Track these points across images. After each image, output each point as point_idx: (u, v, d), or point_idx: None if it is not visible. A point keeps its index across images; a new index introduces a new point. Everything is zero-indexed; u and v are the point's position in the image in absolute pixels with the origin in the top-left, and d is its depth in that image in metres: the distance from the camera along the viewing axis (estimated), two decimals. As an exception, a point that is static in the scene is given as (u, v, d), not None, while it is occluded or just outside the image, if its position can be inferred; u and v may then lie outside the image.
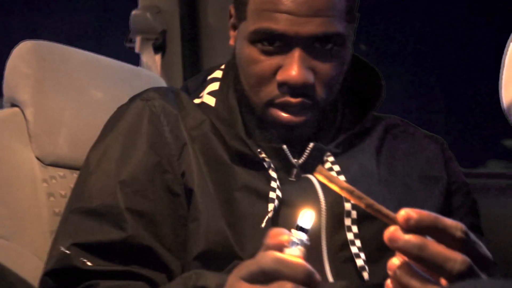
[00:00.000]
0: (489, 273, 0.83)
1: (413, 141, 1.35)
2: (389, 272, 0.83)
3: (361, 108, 1.31)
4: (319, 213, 1.15)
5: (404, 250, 0.79)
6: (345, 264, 1.13)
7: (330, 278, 1.12)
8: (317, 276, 0.77)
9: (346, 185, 0.85)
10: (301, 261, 0.77)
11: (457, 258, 0.78)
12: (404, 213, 0.79)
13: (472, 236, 0.82)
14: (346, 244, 1.14)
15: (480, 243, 0.83)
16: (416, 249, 0.78)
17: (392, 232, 0.79)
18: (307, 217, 0.81)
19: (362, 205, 0.84)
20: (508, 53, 0.59)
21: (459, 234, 0.80)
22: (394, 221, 0.81)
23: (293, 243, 0.78)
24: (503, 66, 0.60)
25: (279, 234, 0.79)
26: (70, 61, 1.47)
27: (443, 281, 0.81)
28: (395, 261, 0.83)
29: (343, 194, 0.86)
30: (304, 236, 0.79)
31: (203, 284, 0.92)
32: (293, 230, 0.79)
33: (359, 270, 1.12)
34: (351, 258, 1.13)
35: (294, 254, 0.77)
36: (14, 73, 1.40)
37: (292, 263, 0.76)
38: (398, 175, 1.28)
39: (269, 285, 0.76)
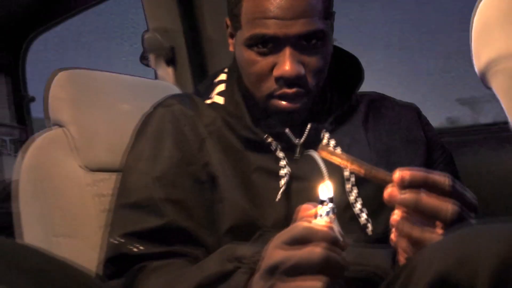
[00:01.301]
0: (476, 215, 0.82)
1: (392, 111, 1.33)
2: (392, 226, 0.83)
3: (346, 89, 1.29)
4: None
5: (402, 204, 0.79)
6: (350, 222, 1.12)
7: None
8: (344, 239, 0.76)
9: (346, 157, 0.85)
10: (325, 227, 0.76)
11: (448, 206, 0.78)
12: (398, 173, 0.79)
13: (459, 184, 0.81)
14: (349, 205, 1.13)
15: (466, 190, 0.82)
16: (412, 203, 0.78)
17: (389, 191, 0.79)
18: (325, 189, 0.80)
19: (362, 172, 0.84)
20: (474, 27, 0.56)
21: (447, 186, 0.79)
22: (390, 182, 0.80)
23: (319, 215, 0.77)
24: (471, 40, 0.58)
25: (307, 209, 0.80)
26: (98, 83, 1.45)
27: (438, 227, 0.80)
28: (396, 215, 0.82)
29: (345, 165, 0.85)
30: (327, 208, 0.78)
31: (240, 254, 0.89)
32: (318, 206, 0.78)
33: (362, 227, 1.11)
34: (355, 217, 1.12)
35: (321, 223, 0.76)
36: (55, 100, 1.38)
37: (318, 229, 0.75)
38: (384, 141, 1.26)
39: (302, 248, 0.75)
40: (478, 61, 0.56)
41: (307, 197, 1.12)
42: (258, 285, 0.81)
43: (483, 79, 0.57)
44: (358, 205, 1.13)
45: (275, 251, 0.78)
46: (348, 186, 1.15)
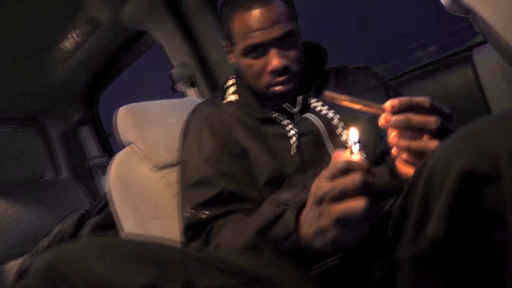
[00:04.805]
0: (453, 124, 0.69)
1: (353, 73, 1.22)
2: (391, 144, 0.71)
3: (317, 67, 1.20)
4: (320, 132, 1.04)
5: (396, 126, 0.67)
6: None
7: None
8: (373, 169, 0.63)
9: (346, 97, 0.73)
10: (361, 159, 0.64)
11: (432, 120, 0.66)
12: (389, 103, 0.68)
13: (436, 102, 0.68)
14: (343, 143, 1.02)
15: (442, 105, 0.69)
16: (404, 123, 0.66)
17: (384, 117, 0.68)
18: (354, 132, 0.68)
19: (360, 105, 0.72)
20: None
21: (428, 104, 0.66)
22: (383, 110, 0.69)
23: (352, 153, 0.66)
24: None
25: (339, 153, 0.67)
26: (149, 109, 1.34)
27: (426, 137, 0.68)
28: (392, 136, 0.70)
29: (347, 102, 0.72)
30: (357, 146, 0.66)
31: (284, 199, 0.77)
32: (352, 145, 0.66)
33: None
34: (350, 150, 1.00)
35: (356, 157, 0.65)
36: (122, 126, 1.28)
37: (356, 161, 0.63)
38: (353, 94, 1.12)
39: (345, 177, 0.62)
40: None
41: (312, 145, 1.03)
42: (309, 215, 0.68)
43: (456, 3, 0.42)
44: (350, 142, 1.01)
45: (321, 184, 0.65)
46: (338, 131, 1.04)
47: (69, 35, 2.18)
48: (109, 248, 0.62)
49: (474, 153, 0.48)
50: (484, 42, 1.28)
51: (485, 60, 1.26)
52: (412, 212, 0.56)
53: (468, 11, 0.44)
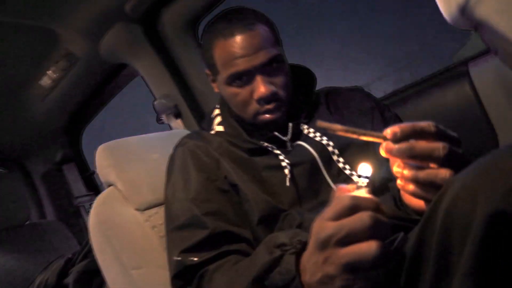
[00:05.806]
0: (461, 148, 0.63)
1: (344, 95, 1.17)
2: (396, 175, 0.64)
3: (306, 91, 1.15)
4: (315, 160, 0.99)
5: (399, 155, 0.61)
6: (346, 182, 0.95)
7: None
8: (383, 205, 0.56)
9: (341, 126, 0.65)
10: (369, 195, 0.57)
11: (439, 146, 0.59)
12: (389, 130, 0.61)
13: (441, 126, 0.61)
14: (340, 170, 0.98)
15: (447, 129, 0.63)
16: (407, 151, 0.60)
17: (385, 146, 0.61)
18: (365, 167, 0.61)
19: (356, 135, 0.64)
20: None
21: (433, 128, 0.60)
22: (384, 138, 0.62)
23: (359, 188, 0.59)
24: None
25: (343, 188, 0.60)
26: (131, 145, 1.26)
27: (433, 165, 0.61)
28: (396, 167, 0.64)
29: (342, 133, 0.65)
30: (366, 180, 0.60)
31: (281, 241, 0.69)
32: (359, 179, 0.60)
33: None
34: (348, 177, 0.97)
35: (363, 193, 0.58)
36: (101, 167, 1.20)
37: (364, 197, 0.55)
38: (346, 117, 1.10)
39: (352, 217, 0.54)
40: (445, 11, 0.36)
41: (307, 175, 0.97)
42: (311, 261, 0.60)
43: (463, 16, 0.36)
44: (348, 169, 0.97)
45: (325, 225, 0.56)
46: (335, 157, 0.99)
47: (46, 72, 2.13)
48: None
49: (503, 192, 0.42)
50: (479, 55, 1.24)
51: (482, 74, 1.22)
52: (430, 258, 0.49)
53: (476, 25, 0.38)
